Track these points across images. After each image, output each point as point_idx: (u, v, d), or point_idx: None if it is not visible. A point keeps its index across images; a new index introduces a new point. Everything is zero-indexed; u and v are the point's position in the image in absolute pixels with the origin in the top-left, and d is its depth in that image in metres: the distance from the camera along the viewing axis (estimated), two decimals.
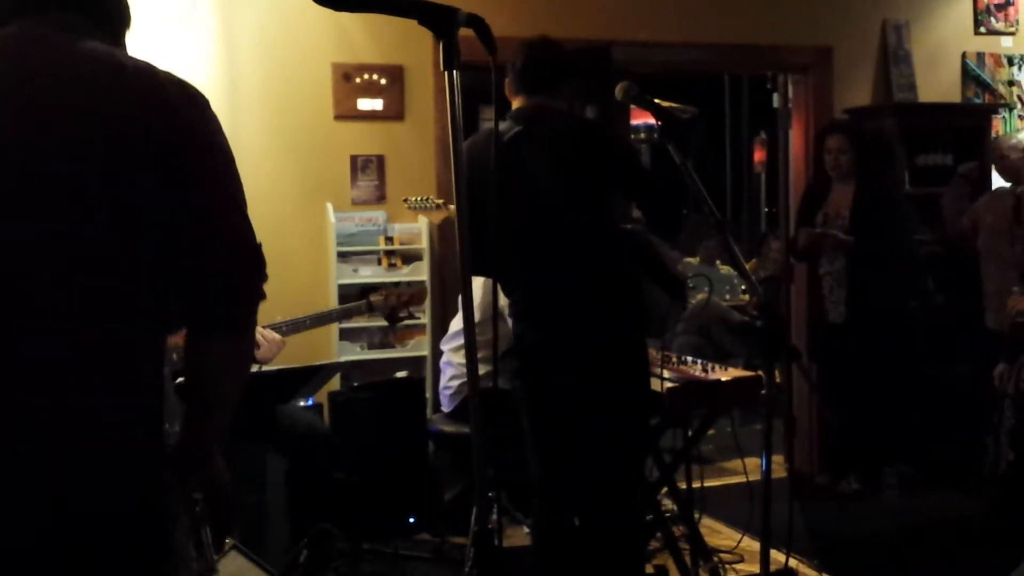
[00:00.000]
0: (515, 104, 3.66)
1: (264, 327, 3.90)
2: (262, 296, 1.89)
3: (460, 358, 4.88)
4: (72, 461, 1.71)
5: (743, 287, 8.21)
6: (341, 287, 5.19)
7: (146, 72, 1.81)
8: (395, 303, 4.14)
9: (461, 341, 4.85)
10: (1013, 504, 4.59)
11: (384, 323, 5.36)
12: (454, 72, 1.79)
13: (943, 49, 6.55)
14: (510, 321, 3.83)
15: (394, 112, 5.43)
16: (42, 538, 1.71)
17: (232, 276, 1.82)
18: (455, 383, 4.96)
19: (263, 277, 1.89)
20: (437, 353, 5.33)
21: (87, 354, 1.72)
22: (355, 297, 5.30)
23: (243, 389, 1.93)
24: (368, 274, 5.30)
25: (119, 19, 1.95)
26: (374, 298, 4.15)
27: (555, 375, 3.63)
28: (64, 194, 1.72)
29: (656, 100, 3.37)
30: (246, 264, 1.84)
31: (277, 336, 4.01)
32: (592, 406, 3.61)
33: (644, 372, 3.76)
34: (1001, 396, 4.66)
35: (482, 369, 4.22)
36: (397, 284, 4.31)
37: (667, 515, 4.59)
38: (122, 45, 1.94)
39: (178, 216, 1.78)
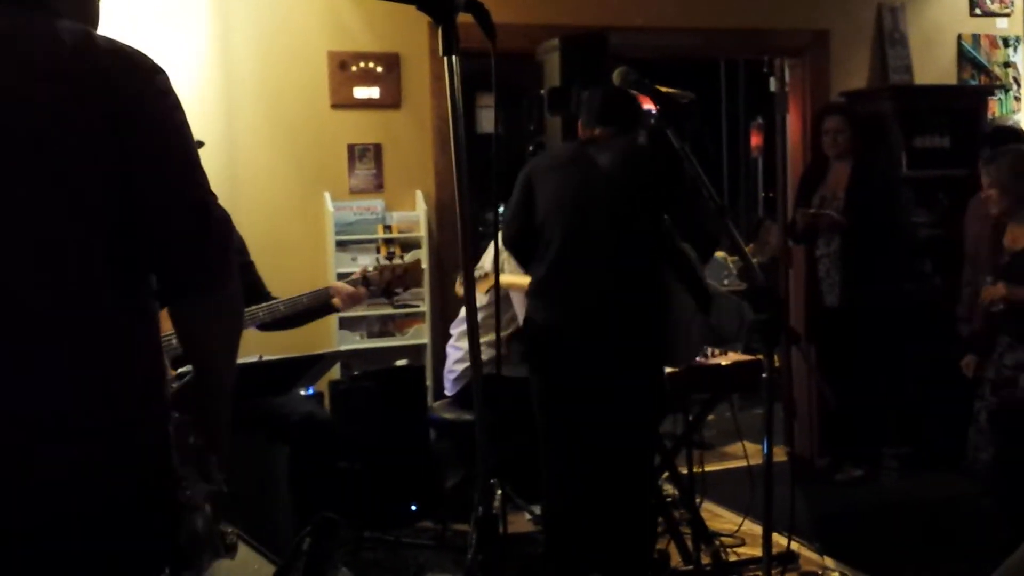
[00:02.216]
0: (593, 133, 3.87)
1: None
2: (230, 253, 1.87)
3: (467, 343, 4.89)
4: (67, 441, 1.71)
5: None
6: (340, 276, 5.16)
7: (83, 43, 1.76)
8: (390, 277, 4.13)
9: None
10: (1003, 488, 4.61)
11: (384, 311, 5.38)
12: (453, 58, 1.79)
13: (939, 31, 6.55)
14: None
15: (391, 100, 5.42)
16: (42, 526, 1.71)
17: (192, 236, 1.80)
18: (459, 367, 4.97)
19: (228, 233, 1.86)
20: (437, 340, 5.34)
21: (65, 336, 1.72)
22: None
23: (237, 346, 1.93)
24: (367, 262, 5.28)
25: None
26: (370, 274, 4.15)
27: (566, 357, 3.69)
28: (12, 183, 1.70)
29: (655, 85, 3.37)
30: (200, 224, 1.81)
31: (349, 288, 4.05)
32: (603, 391, 3.65)
33: (658, 364, 3.83)
34: (976, 384, 4.66)
35: (486, 355, 4.26)
36: (391, 257, 4.27)
37: (668, 500, 4.60)
38: (87, 13, 1.89)
39: (132, 184, 1.75)
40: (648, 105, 4.20)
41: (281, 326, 4.13)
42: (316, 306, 4.12)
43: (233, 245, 1.89)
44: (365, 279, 4.11)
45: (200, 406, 1.91)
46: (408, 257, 5.24)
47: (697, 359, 4.27)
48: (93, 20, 1.91)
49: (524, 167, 3.94)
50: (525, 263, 3.99)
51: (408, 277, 4.18)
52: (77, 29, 1.77)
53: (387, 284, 4.14)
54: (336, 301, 4.08)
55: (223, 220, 1.85)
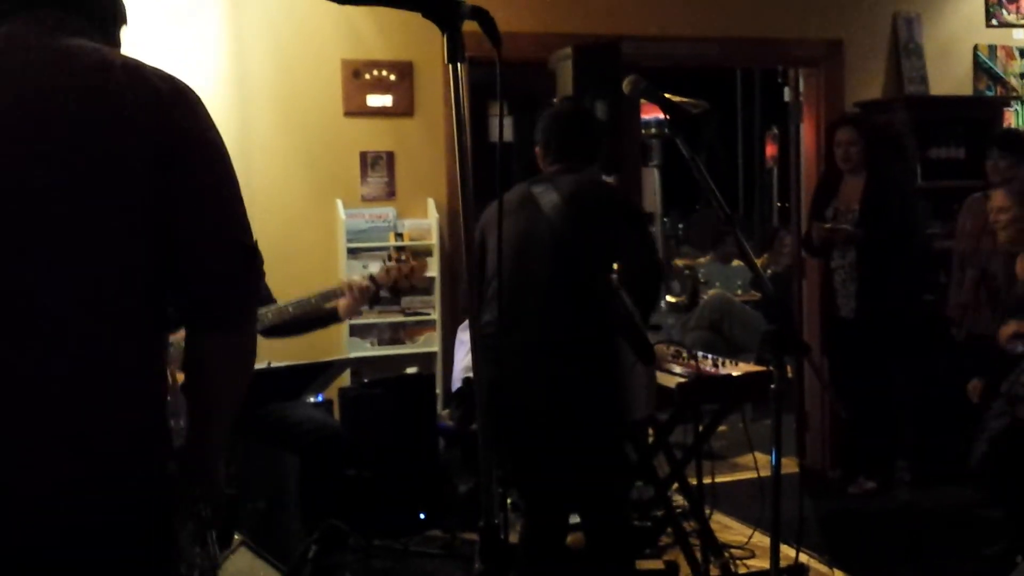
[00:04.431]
0: (549, 169, 3.72)
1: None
2: (258, 293, 1.88)
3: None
4: (77, 464, 1.71)
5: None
6: None
7: (134, 70, 1.77)
8: (397, 276, 4.13)
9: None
10: (997, 497, 4.62)
11: (394, 319, 5.38)
12: (458, 65, 1.78)
13: (954, 42, 6.52)
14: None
15: (404, 108, 5.43)
16: (47, 540, 1.71)
17: (227, 275, 1.80)
18: (468, 360, 4.96)
19: (260, 275, 1.87)
20: (447, 349, 5.33)
21: (88, 358, 1.71)
22: None
23: (244, 390, 1.90)
24: (378, 270, 5.29)
25: (112, 16, 1.91)
26: (378, 274, 4.15)
27: (509, 421, 3.59)
28: (55, 199, 1.70)
29: (665, 94, 3.35)
30: (241, 263, 1.82)
31: (361, 282, 4.04)
32: (556, 447, 3.58)
33: (610, 423, 3.66)
34: (981, 408, 4.67)
35: None
36: (400, 255, 4.25)
37: (678, 510, 4.58)
38: (115, 42, 1.90)
39: (172, 216, 1.75)
40: (658, 114, 4.17)
41: (287, 331, 4.12)
42: (322, 313, 4.13)
43: (262, 288, 1.89)
44: (372, 279, 4.12)
45: (194, 455, 1.88)
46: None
47: (707, 370, 4.25)
48: (119, 47, 1.92)
49: (480, 216, 3.77)
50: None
51: (415, 275, 4.19)
52: (127, 57, 1.79)
53: (394, 283, 4.14)
54: (340, 303, 4.08)
55: (261, 263, 1.86)
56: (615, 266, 3.54)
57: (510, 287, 3.56)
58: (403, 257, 4.18)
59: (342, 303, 4.10)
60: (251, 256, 1.84)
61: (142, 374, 1.78)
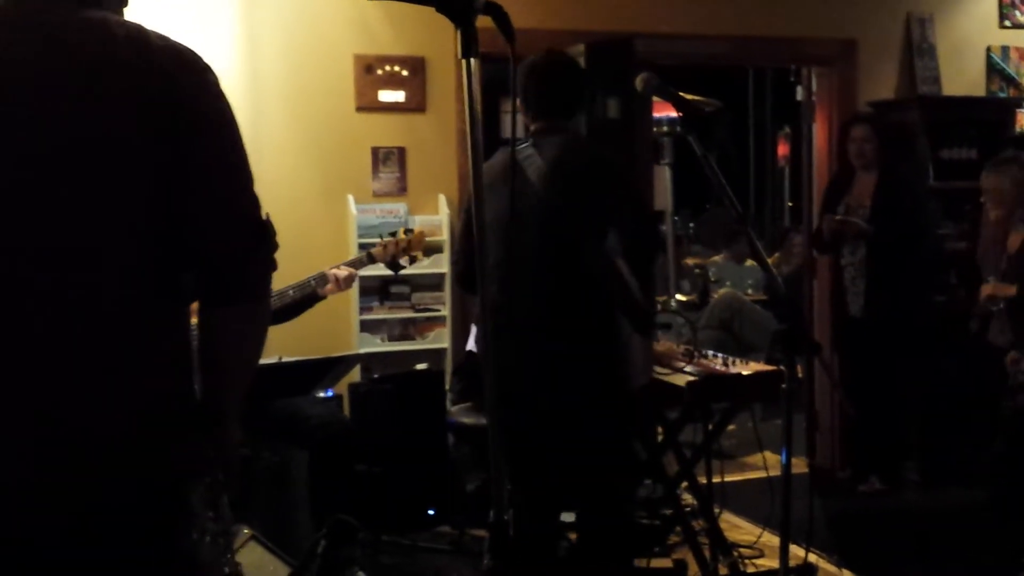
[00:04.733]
0: (531, 127, 3.63)
1: None
2: (272, 267, 1.85)
3: None
4: (77, 465, 1.70)
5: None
6: (362, 278, 5.18)
7: (139, 42, 1.74)
8: (395, 251, 4.14)
9: None
10: (1009, 492, 4.61)
11: (404, 315, 5.38)
12: (471, 61, 1.77)
13: (967, 42, 6.50)
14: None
15: (415, 104, 5.43)
16: (47, 539, 1.71)
17: (237, 249, 1.78)
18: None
19: (272, 247, 1.85)
20: (457, 345, 5.33)
21: (88, 358, 1.70)
22: (376, 288, 5.32)
23: (259, 358, 1.90)
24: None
25: None
26: (374, 250, 4.16)
27: (508, 395, 3.55)
28: (59, 171, 1.67)
29: (679, 92, 3.34)
30: (251, 236, 1.80)
31: (344, 271, 4.07)
32: (556, 426, 3.53)
33: (613, 396, 3.59)
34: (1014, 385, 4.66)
35: None
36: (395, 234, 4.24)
37: (687, 509, 4.58)
38: (124, 2, 1.87)
39: (180, 191, 1.73)
40: (670, 112, 4.14)
41: (285, 316, 4.13)
42: (309, 292, 4.14)
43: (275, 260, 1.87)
44: (370, 256, 4.14)
45: (207, 421, 1.87)
46: (430, 262, 5.25)
47: (717, 368, 4.24)
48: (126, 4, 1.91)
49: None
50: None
51: (413, 247, 4.19)
52: (130, 25, 1.76)
53: (392, 257, 4.15)
54: (328, 288, 4.10)
55: (273, 235, 1.84)
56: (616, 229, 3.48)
57: (503, 265, 3.48)
58: (407, 231, 4.19)
59: (329, 288, 4.13)
60: (262, 229, 1.82)
61: (146, 371, 1.76)
